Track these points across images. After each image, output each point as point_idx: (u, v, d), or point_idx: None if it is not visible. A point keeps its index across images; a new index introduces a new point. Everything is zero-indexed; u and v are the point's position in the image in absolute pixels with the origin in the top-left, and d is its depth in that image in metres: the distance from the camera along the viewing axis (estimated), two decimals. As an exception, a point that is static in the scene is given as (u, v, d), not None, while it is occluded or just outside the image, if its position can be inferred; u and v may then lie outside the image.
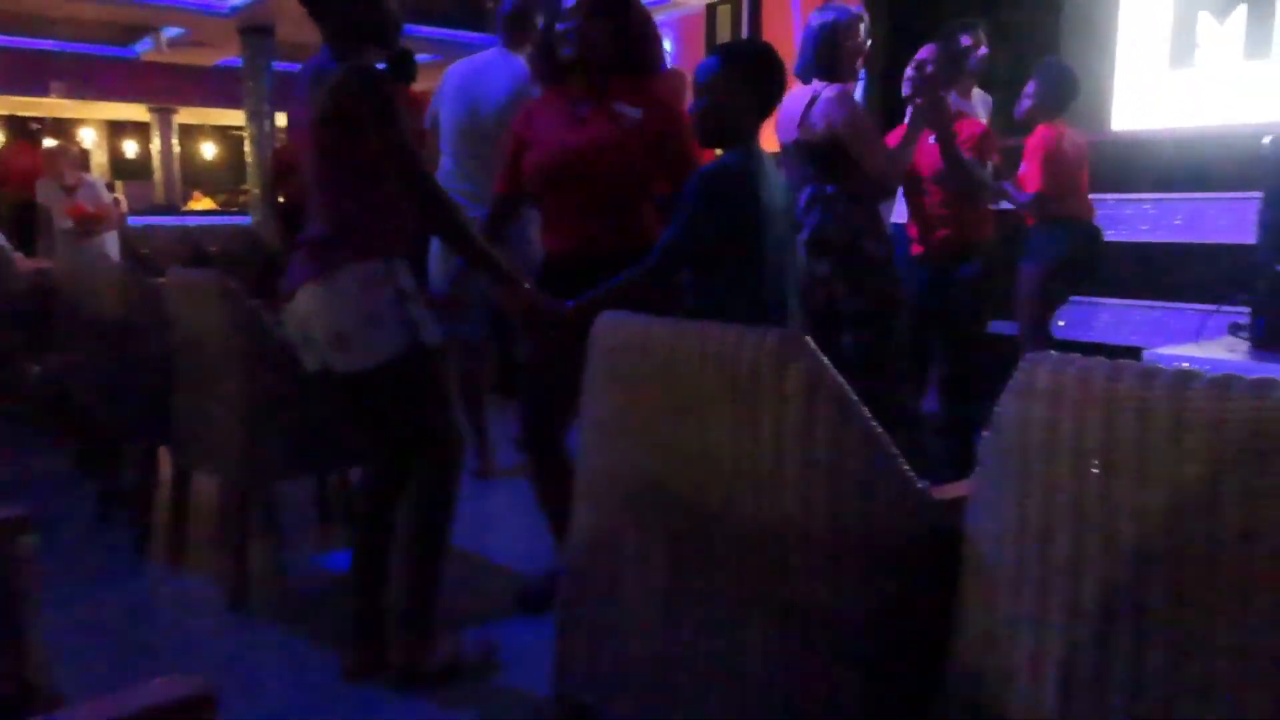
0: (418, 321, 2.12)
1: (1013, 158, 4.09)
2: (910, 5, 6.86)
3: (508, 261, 2.22)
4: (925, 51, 3.41)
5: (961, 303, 3.58)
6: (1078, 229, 3.97)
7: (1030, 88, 3.95)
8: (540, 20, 3.00)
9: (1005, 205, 4.16)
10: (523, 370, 2.61)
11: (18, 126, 15.92)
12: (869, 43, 3.10)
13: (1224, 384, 0.81)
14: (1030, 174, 3.88)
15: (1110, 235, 4.32)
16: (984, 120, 4.14)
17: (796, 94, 3.11)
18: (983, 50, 4.01)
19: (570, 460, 2.60)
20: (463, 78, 3.69)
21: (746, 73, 2.19)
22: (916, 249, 3.70)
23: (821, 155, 3.03)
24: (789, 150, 3.17)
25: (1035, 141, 3.89)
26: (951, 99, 3.95)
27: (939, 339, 3.70)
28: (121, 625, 2.62)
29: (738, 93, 2.17)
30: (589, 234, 2.42)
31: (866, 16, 3.13)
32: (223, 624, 2.59)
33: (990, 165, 3.49)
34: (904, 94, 3.26)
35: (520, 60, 3.56)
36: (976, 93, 4.17)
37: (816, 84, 3.04)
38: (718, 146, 2.25)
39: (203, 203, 15.43)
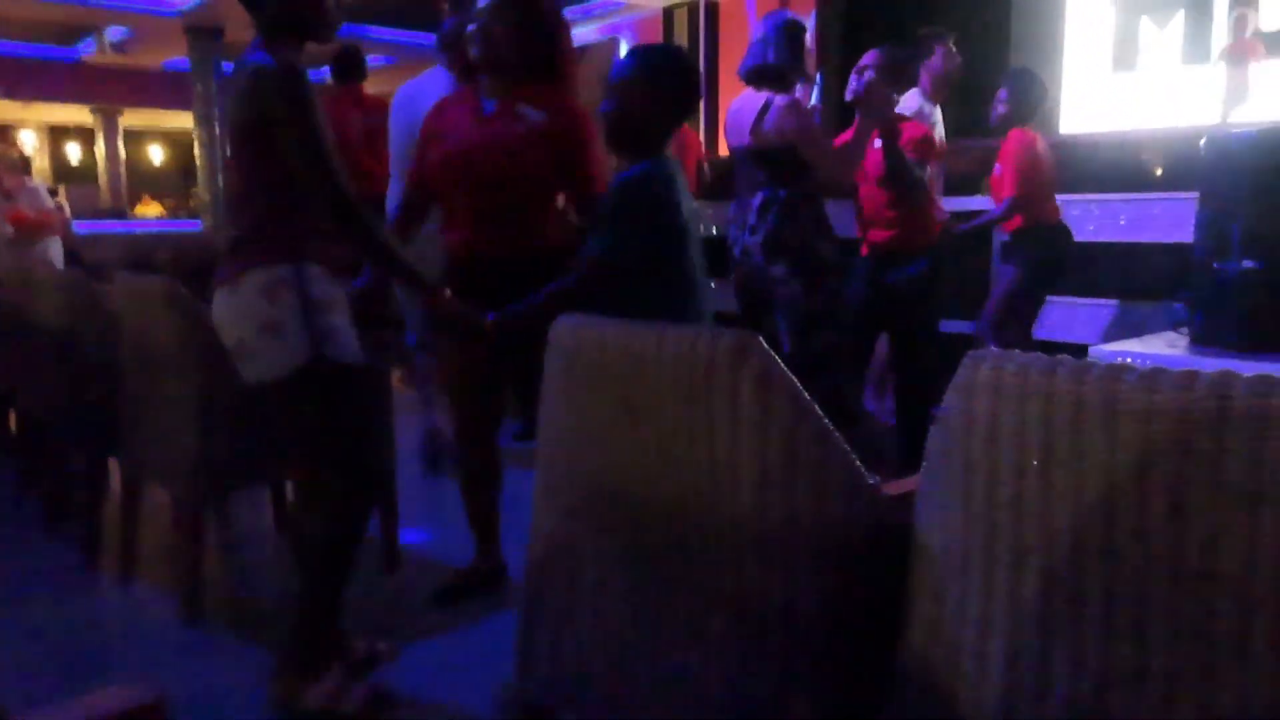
0: (325, 334, 1.98)
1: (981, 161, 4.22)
2: (867, 9, 6.97)
3: (417, 266, 2.14)
4: (868, 57, 3.48)
5: (907, 303, 3.64)
6: (1055, 231, 4.11)
7: (1002, 94, 4.10)
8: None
9: (977, 217, 4.27)
10: (448, 374, 2.65)
11: (-46, 130, 15.49)
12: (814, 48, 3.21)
13: (1152, 376, 0.84)
14: (1006, 177, 4.00)
15: (1081, 236, 4.44)
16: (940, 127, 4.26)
17: (747, 102, 3.19)
18: (956, 58, 4.16)
19: (499, 460, 2.67)
20: (404, 98, 3.68)
21: (659, 78, 2.15)
22: (863, 249, 3.76)
23: (775, 161, 3.11)
24: (739, 156, 3.24)
25: (1012, 146, 4.01)
26: (918, 105, 4.04)
27: (891, 339, 3.77)
28: (71, 637, 2.58)
29: (649, 97, 2.13)
30: (486, 233, 2.43)
31: (810, 22, 3.24)
32: (176, 635, 2.55)
33: (929, 168, 3.55)
34: (846, 98, 3.33)
35: (451, 80, 3.55)
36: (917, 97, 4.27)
37: (768, 92, 3.11)
38: (625, 150, 2.21)
39: (151, 207, 15.14)
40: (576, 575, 1.50)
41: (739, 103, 3.26)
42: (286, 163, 1.93)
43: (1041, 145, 4.06)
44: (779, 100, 3.08)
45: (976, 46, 4.33)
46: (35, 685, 2.26)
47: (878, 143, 3.42)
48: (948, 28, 4.27)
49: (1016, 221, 4.11)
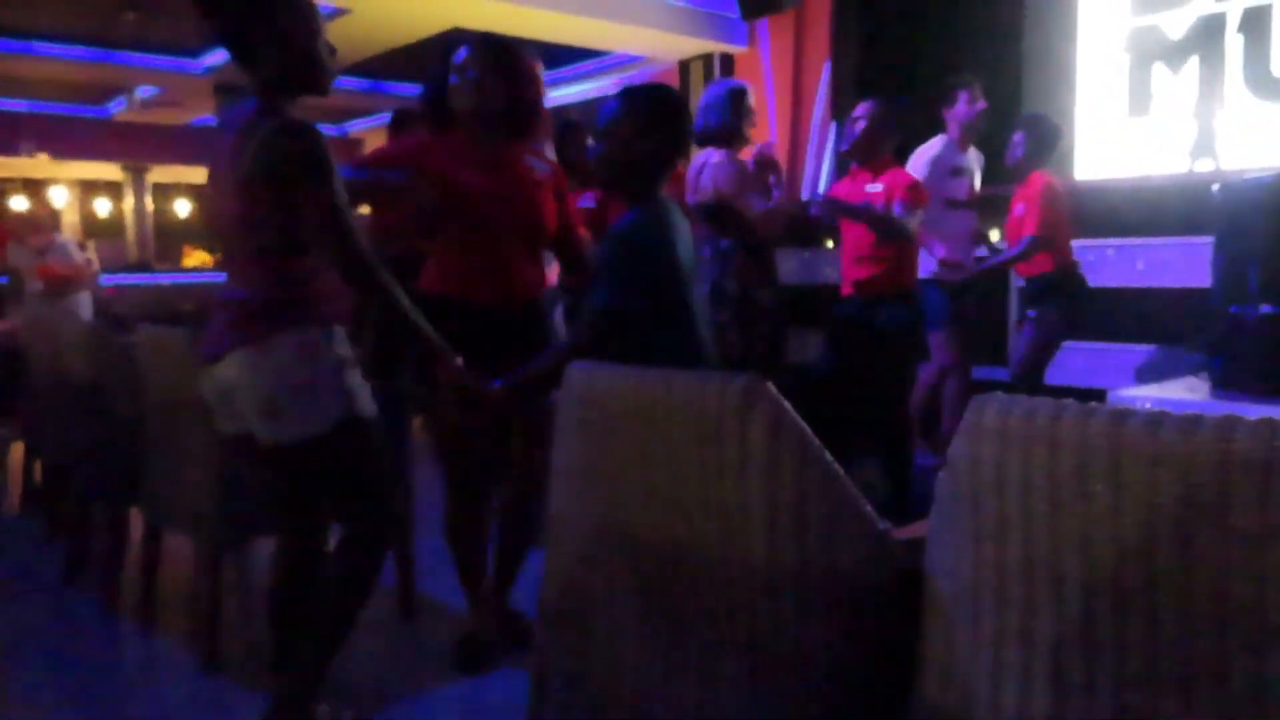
0: (353, 391, 2.02)
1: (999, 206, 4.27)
2: (880, 59, 7.06)
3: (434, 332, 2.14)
4: (861, 108, 3.65)
5: (898, 344, 3.70)
6: (1075, 275, 4.14)
7: (1018, 137, 4.19)
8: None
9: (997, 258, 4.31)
10: (442, 431, 2.59)
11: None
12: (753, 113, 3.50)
13: (1157, 421, 0.84)
14: (1029, 218, 4.04)
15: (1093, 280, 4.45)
16: (977, 175, 4.34)
17: (694, 161, 3.45)
18: (980, 104, 4.24)
19: (489, 517, 2.62)
20: None
21: (648, 116, 2.15)
22: (845, 289, 3.80)
23: (712, 214, 3.33)
24: (691, 210, 3.43)
25: (1034, 190, 4.06)
26: (937, 151, 4.11)
27: (871, 381, 3.80)
28: (91, 683, 2.59)
29: (638, 136, 2.13)
30: (493, 281, 2.45)
31: (752, 88, 3.54)
32: (193, 684, 2.55)
33: (918, 214, 3.61)
34: (840, 149, 3.54)
35: None
36: (972, 150, 4.40)
37: (707, 151, 3.38)
38: (617, 190, 2.23)
39: (194, 258, 15.37)
40: (589, 619, 1.50)
41: (693, 162, 3.50)
42: (303, 223, 1.92)
43: (1061, 187, 4.12)
44: (714, 158, 3.33)
45: (989, 94, 4.40)
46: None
47: (869, 186, 3.58)
48: (970, 75, 4.36)
49: (1044, 266, 4.14)
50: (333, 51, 2.04)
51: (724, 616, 1.29)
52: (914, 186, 3.58)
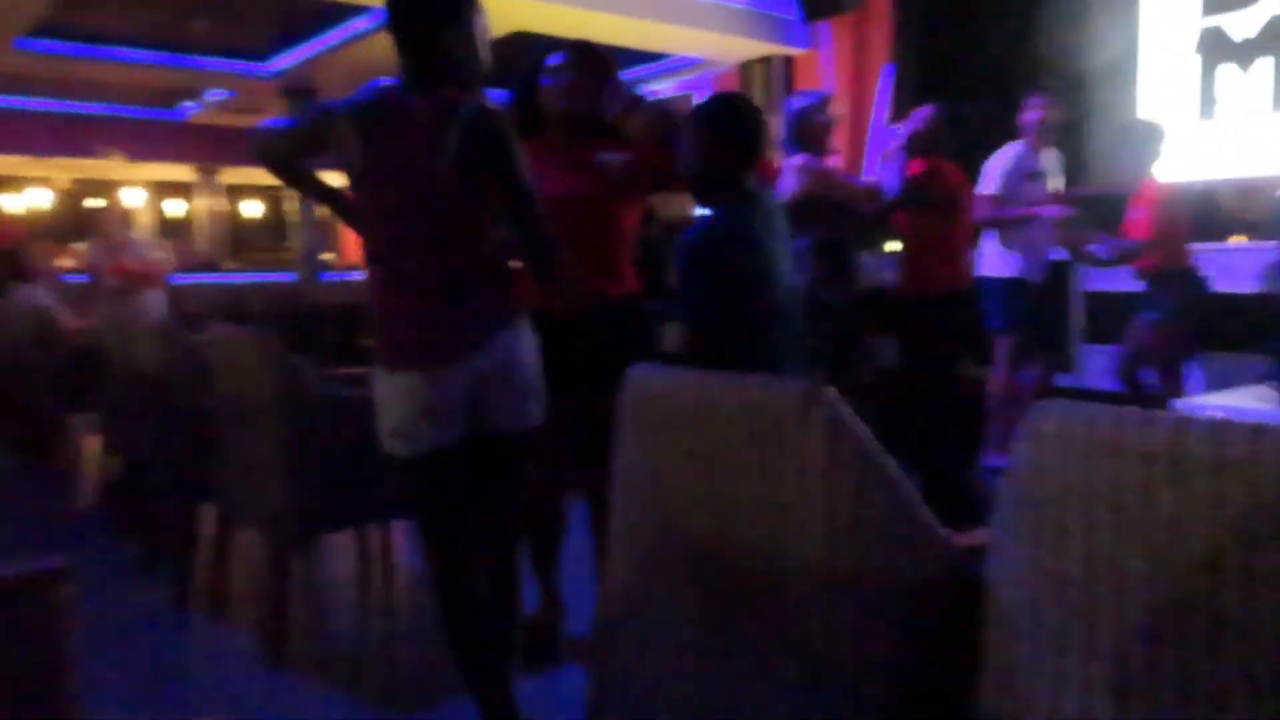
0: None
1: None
2: (941, 63, 6.99)
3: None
4: (919, 112, 3.90)
5: (946, 345, 3.95)
6: (1193, 278, 4.10)
7: (1124, 145, 4.25)
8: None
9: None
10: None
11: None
12: (837, 118, 3.81)
13: (1221, 429, 0.84)
14: (1140, 221, 4.04)
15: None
16: (1059, 177, 4.39)
17: (780, 166, 3.67)
18: (1056, 110, 4.36)
19: (566, 513, 2.66)
20: None
21: (717, 128, 2.29)
22: (907, 289, 4.05)
23: (791, 215, 3.44)
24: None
25: (1151, 191, 4.07)
26: (1015, 152, 4.29)
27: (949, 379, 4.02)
28: (161, 675, 2.67)
29: (714, 148, 2.27)
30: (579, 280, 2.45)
31: (832, 96, 3.83)
32: (260, 676, 2.61)
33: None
34: (901, 147, 3.70)
35: None
36: (1051, 151, 4.46)
37: (789, 159, 3.64)
38: (709, 201, 2.35)
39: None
40: (647, 622, 1.51)
41: (780, 167, 3.74)
42: (496, 209, 1.89)
43: (1178, 191, 4.10)
44: (791, 162, 3.58)
45: (1053, 96, 4.39)
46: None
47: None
48: (1048, 80, 4.42)
49: (1152, 264, 4.10)
50: (491, 53, 2.00)
51: (780, 621, 1.29)
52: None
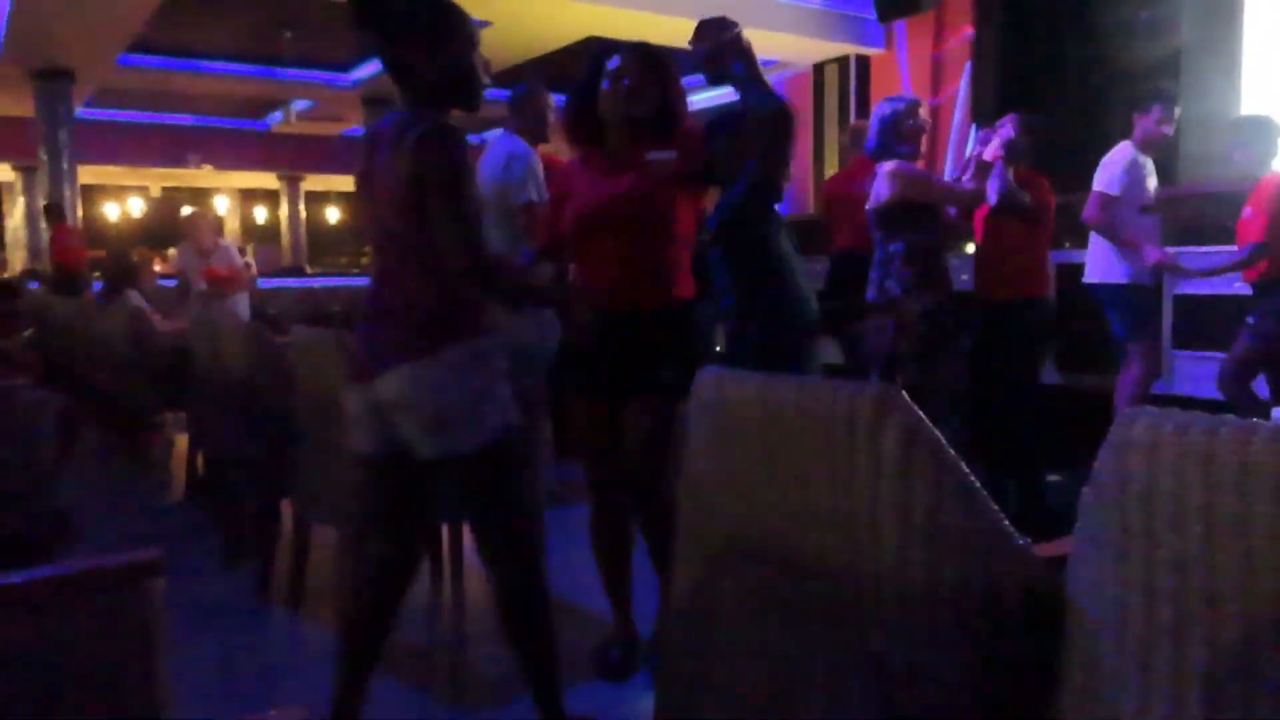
0: (509, 399, 2.03)
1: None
2: (1022, 57, 6.82)
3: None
4: (1003, 122, 3.84)
5: (1014, 349, 3.96)
6: None
7: (1237, 142, 4.17)
8: (540, 105, 3.85)
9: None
10: (574, 433, 2.64)
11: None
12: (927, 123, 3.80)
13: (1325, 439, 0.79)
14: (1256, 222, 3.90)
15: (1239, 288, 4.24)
16: (1152, 175, 4.35)
17: (876, 174, 3.71)
18: (1169, 125, 4.29)
19: (628, 524, 2.60)
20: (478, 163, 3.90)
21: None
22: (983, 294, 4.05)
23: (885, 219, 3.64)
24: (871, 219, 3.73)
25: (1264, 193, 3.92)
26: (1129, 155, 4.28)
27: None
28: (240, 664, 2.74)
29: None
30: (624, 284, 2.45)
31: (924, 100, 3.83)
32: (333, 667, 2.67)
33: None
34: (982, 154, 3.75)
35: (517, 140, 3.89)
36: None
37: (881, 164, 3.67)
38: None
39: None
40: (715, 630, 1.50)
41: (872, 177, 3.79)
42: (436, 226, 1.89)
43: None
44: (884, 168, 3.63)
45: (1143, 95, 4.28)
46: (204, 707, 2.40)
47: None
48: (1172, 87, 4.39)
49: (1268, 271, 3.95)
50: (487, 67, 2.05)
51: (851, 630, 1.27)
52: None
